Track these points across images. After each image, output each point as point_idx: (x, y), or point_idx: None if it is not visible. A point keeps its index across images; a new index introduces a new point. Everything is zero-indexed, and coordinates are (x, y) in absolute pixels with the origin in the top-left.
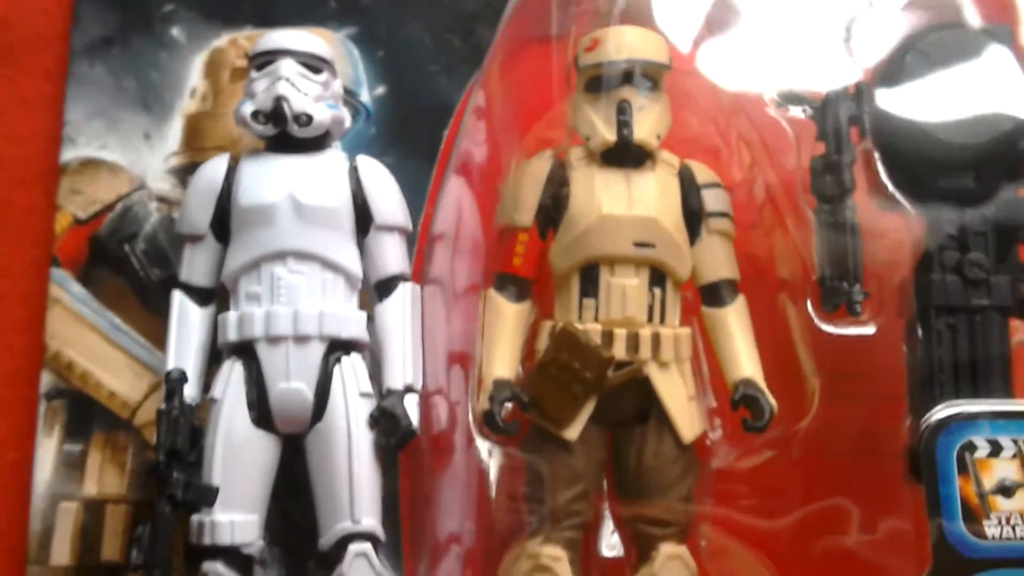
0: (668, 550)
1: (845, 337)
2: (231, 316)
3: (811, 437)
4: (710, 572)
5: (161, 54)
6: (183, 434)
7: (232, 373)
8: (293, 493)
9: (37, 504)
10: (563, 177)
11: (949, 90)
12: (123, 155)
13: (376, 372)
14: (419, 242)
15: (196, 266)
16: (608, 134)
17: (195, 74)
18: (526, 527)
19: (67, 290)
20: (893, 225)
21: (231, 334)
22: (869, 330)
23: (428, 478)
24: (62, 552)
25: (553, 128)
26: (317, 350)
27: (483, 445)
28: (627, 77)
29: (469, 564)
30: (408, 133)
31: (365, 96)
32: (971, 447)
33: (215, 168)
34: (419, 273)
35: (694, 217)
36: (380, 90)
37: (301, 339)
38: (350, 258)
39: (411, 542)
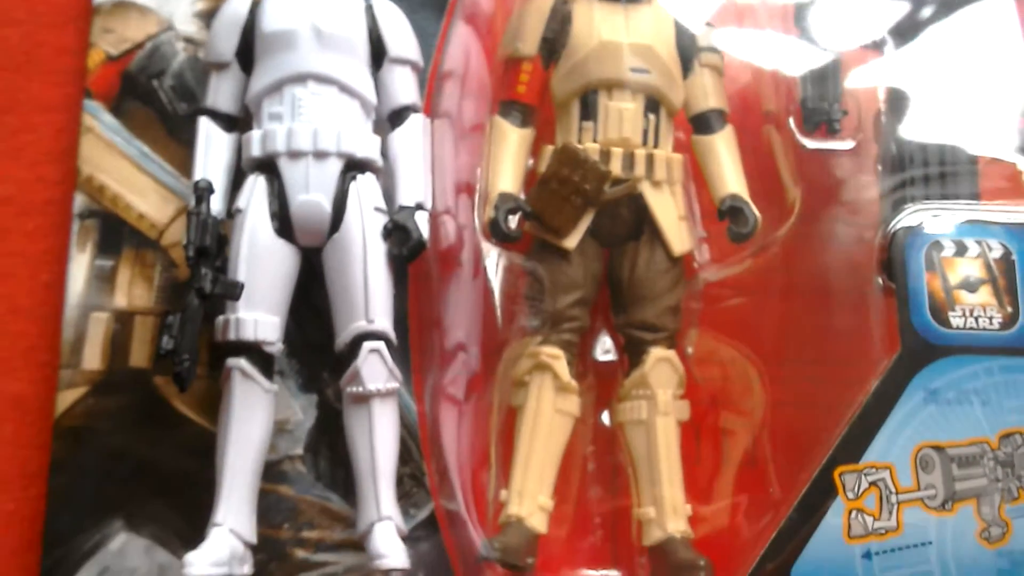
0: (657, 353)
1: (825, 152)
2: (255, 134)
3: (790, 246)
4: (695, 375)
5: None
6: (211, 235)
7: (256, 186)
8: (310, 308)
9: (70, 314)
10: (565, 11)
11: None
12: None
13: (389, 198)
14: (428, 88)
15: (221, 92)
16: None
17: None
18: (526, 329)
19: (99, 120)
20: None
21: (255, 150)
22: (848, 145)
23: (436, 292)
24: (93, 358)
25: None
26: (335, 166)
27: (490, 257)
28: None
29: (474, 378)
30: None
31: None
32: (938, 247)
33: (240, 1)
34: (430, 110)
35: (688, 51)
36: None
37: (320, 154)
38: (366, 85)
39: (419, 358)
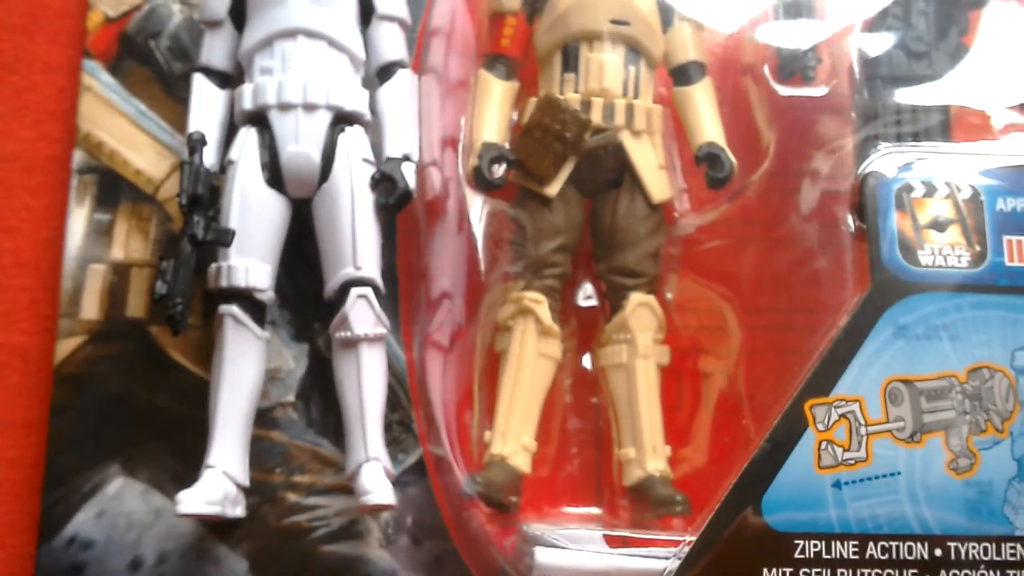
0: (637, 298)
1: (800, 98)
2: (246, 88)
3: (765, 192)
4: (675, 320)
5: None
6: (204, 183)
7: (247, 138)
8: (299, 257)
9: (69, 266)
10: None
11: None
12: None
13: (378, 151)
14: (417, 46)
15: (215, 50)
16: None
17: None
18: (509, 274)
19: (98, 79)
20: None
21: (246, 103)
22: (821, 91)
23: (423, 243)
24: (91, 307)
25: None
26: (324, 118)
27: (474, 206)
28: None
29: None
30: None
31: None
32: (908, 188)
33: None
34: (418, 67)
35: (667, 5)
36: None
37: (310, 107)
38: (354, 41)
39: (408, 309)
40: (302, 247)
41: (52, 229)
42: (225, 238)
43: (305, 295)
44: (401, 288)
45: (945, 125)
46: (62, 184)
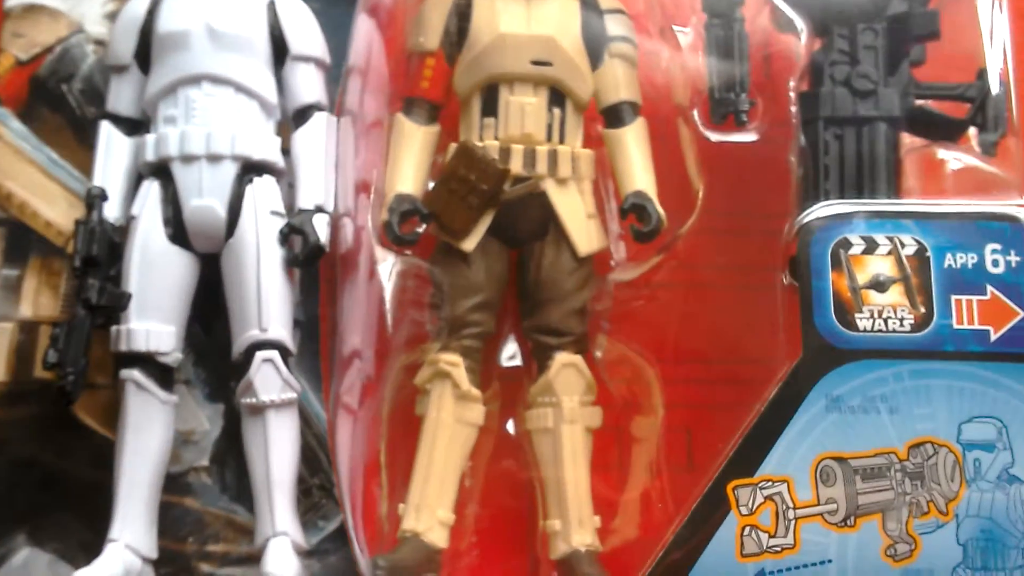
0: (563, 359)
1: (730, 144)
2: (149, 138)
3: (695, 241)
4: (605, 382)
5: None
6: (100, 244)
7: (149, 192)
8: (217, 314)
9: None
10: (467, 3)
11: None
12: (63, 1)
13: (292, 201)
14: (342, 81)
15: (122, 96)
16: None
17: None
18: (423, 336)
19: (8, 126)
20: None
21: (149, 154)
22: (752, 137)
23: (337, 297)
24: None
25: None
26: (230, 169)
27: (385, 264)
28: None
29: (368, 385)
30: None
31: None
32: (846, 244)
33: (139, 1)
34: (340, 109)
35: (596, 41)
36: None
37: (214, 158)
38: (264, 85)
39: (329, 364)
40: (218, 300)
41: None
42: (120, 301)
43: (222, 351)
44: (323, 342)
45: (891, 171)
46: None
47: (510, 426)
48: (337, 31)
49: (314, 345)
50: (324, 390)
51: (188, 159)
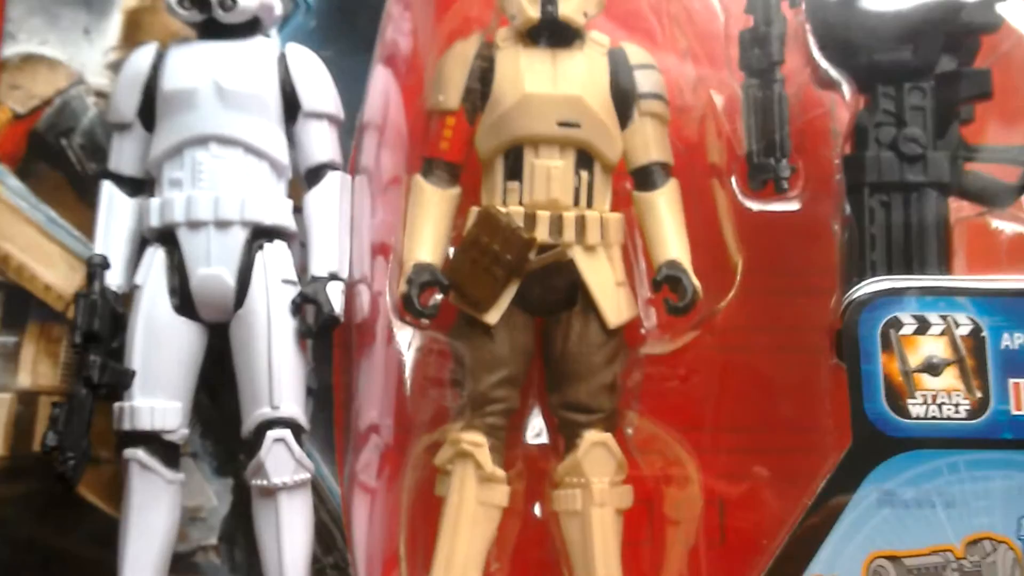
0: (592, 437)
1: (770, 213)
2: (153, 202)
3: (736, 317)
4: (637, 461)
5: None
6: (102, 317)
7: (154, 259)
8: (225, 384)
9: None
10: (489, 58)
11: None
12: (63, 51)
13: (306, 264)
14: (357, 135)
15: (124, 155)
16: (532, 11)
17: None
18: (446, 413)
19: (4, 184)
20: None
21: (153, 220)
22: (794, 206)
23: (352, 368)
24: None
25: (474, 7)
26: (239, 236)
27: (404, 334)
28: None
29: (387, 455)
30: (348, 26)
31: None
32: (896, 324)
33: (142, 56)
34: (355, 164)
35: (625, 99)
36: None
37: (222, 224)
38: (275, 145)
39: (343, 435)
40: (226, 368)
41: None
42: (123, 380)
43: (229, 421)
44: (336, 411)
45: (942, 242)
46: None
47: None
48: (350, 81)
49: (327, 414)
50: (338, 463)
51: (195, 225)
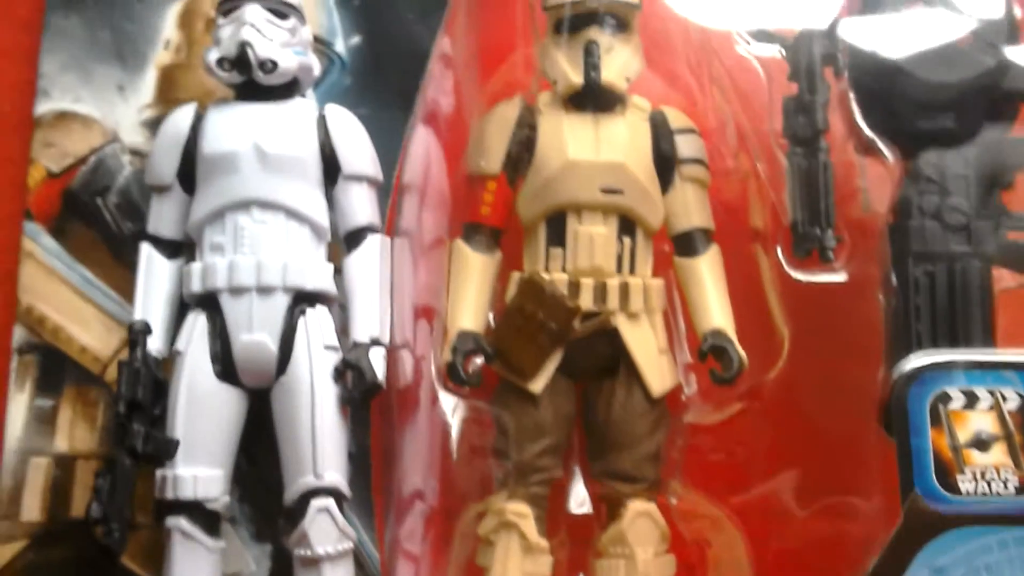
0: (637, 507)
1: (817, 284)
2: (195, 267)
3: (781, 389)
4: (681, 531)
5: (135, 5)
6: (145, 386)
7: (196, 325)
8: (264, 448)
9: (8, 459)
10: (531, 123)
11: (928, 26)
12: (96, 108)
13: (345, 326)
14: (393, 194)
15: (163, 217)
16: (575, 77)
17: (169, 25)
18: (491, 483)
19: (40, 244)
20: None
21: (195, 285)
22: (841, 277)
23: (394, 434)
24: (32, 507)
25: (518, 70)
26: (281, 301)
27: (447, 400)
28: (594, 17)
29: (432, 521)
30: (383, 83)
31: (340, 46)
32: (945, 398)
33: (181, 117)
34: (392, 225)
35: (666, 163)
36: (355, 39)
37: (264, 290)
38: (316, 208)
39: (382, 499)
40: (267, 430)
41: None
42: (167, 450)
43: (268, 485)
44: (375, 476)
45: (987, 314)
46: (2, 354)
47: None
48: (385, 138)
49: (365, 479)
50: (378, 528)
51: (237, 291)
